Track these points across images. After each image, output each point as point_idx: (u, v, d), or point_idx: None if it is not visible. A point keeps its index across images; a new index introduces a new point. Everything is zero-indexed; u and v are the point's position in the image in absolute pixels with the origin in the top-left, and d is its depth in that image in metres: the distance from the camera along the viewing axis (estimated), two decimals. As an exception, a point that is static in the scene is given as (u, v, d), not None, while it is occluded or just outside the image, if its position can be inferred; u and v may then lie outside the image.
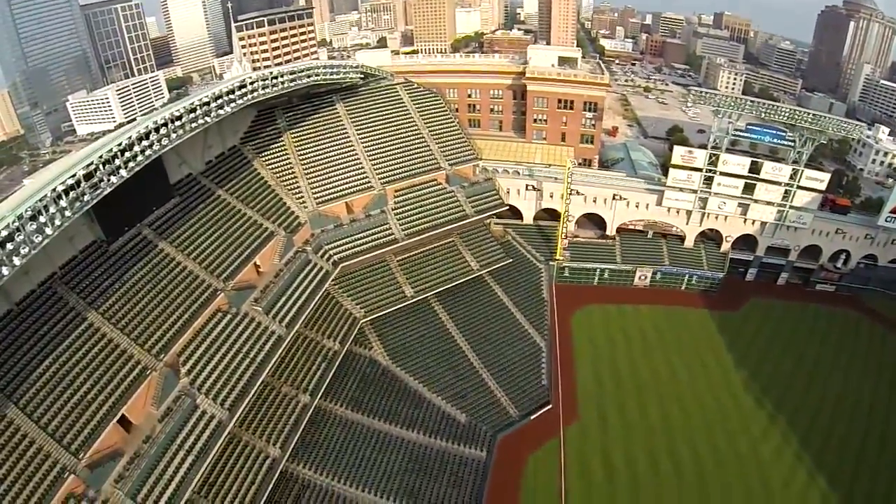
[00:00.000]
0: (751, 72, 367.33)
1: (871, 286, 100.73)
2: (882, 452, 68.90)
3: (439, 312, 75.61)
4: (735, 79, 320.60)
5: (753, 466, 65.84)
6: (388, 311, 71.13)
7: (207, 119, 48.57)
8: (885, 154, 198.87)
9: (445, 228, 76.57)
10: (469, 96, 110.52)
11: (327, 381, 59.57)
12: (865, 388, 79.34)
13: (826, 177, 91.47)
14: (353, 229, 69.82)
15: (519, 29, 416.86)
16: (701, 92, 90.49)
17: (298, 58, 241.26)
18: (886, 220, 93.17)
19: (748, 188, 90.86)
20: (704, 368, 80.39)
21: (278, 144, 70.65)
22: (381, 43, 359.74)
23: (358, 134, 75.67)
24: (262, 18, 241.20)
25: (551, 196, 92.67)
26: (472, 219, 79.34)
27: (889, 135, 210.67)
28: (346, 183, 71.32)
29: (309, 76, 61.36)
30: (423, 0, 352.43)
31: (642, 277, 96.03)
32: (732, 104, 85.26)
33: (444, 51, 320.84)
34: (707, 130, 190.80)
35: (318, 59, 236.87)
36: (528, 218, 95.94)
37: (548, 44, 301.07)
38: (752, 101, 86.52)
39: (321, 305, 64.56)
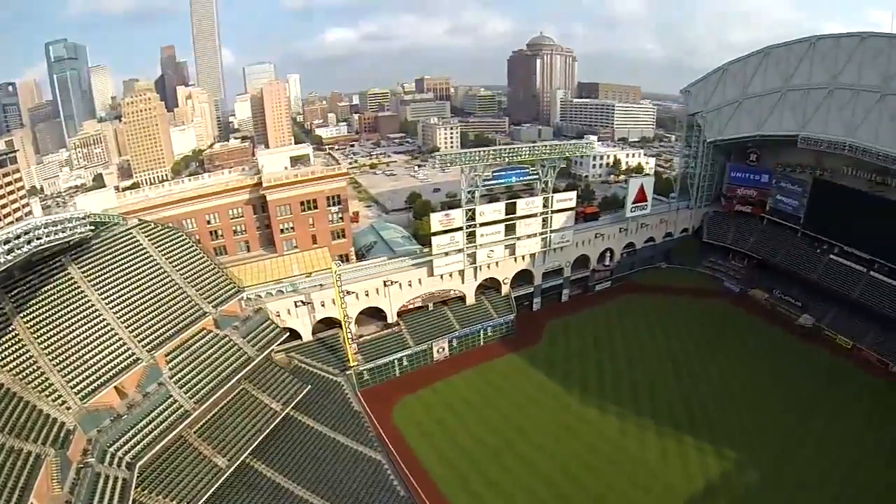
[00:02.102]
0: (463, 122, 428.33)
1: (636, 268, 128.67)
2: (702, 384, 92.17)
3: (264, 471, 69.24)
4: (451, 133, 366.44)
5: (628, 463, 75.34)
6: (209, 493, 62.48)
7: None
8: (602, 157, 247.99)
9: (234, 380, 70.76)
10: (209, 223, 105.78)
11: None
12: (663, 345, 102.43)
13: (573, 195, 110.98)
14: (134, 417, 60.67)
15: (235, 137, 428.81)
16: (444, 155, 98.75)
17: (8, 215, 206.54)
18: (631, 211, 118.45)
19: (510, 229, 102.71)
20: (539, 406, 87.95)
21: (10, 336, 58.43)
22: (98, 181, 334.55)
23: (103, 298, 66.64)
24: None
25: (323, 304, 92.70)
26: (258, 359, 74.83)
27: (598, 140, 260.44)
28: (108, 362, 61.89)
29: (30, 241, 51.67)
30: (135, 126, 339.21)
31: (440, 350, 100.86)
32: (479, 159, 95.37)
33: (166, 177, 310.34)
34: (441, 188, 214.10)
35: (31, 212, 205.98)
36: (306, 335, 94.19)
37: (266, 146, 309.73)
38: (494, 151, 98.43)
39: (132, 520, 54.27)
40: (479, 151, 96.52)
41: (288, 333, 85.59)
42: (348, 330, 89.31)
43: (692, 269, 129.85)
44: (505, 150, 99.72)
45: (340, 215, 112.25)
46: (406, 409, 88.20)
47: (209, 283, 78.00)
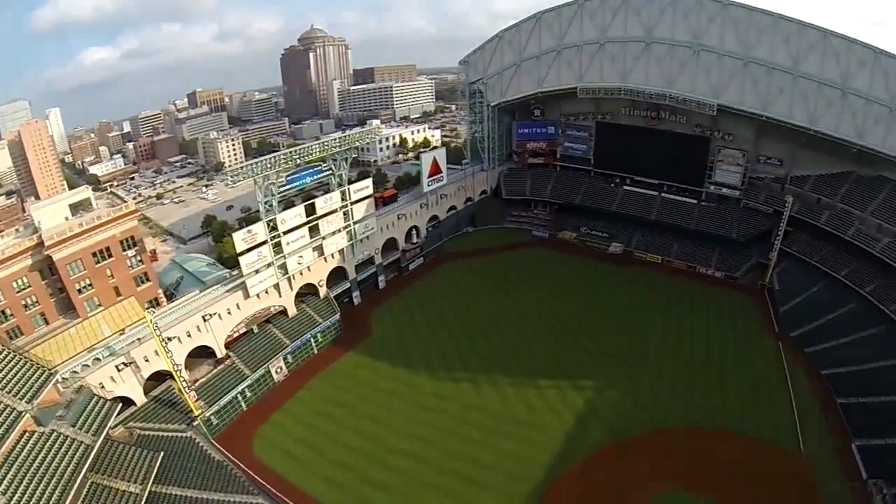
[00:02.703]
0: (243, 132, 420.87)
1: (444, 238, 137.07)
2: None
3: (148, 564, 64.12)
4: (233, 144, 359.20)
5: (498, 421, 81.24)
6: None
7: None
8: (388, 139, 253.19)
9: (80, 477, 63.74)
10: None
11: None
12: (490, 303, 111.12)
13: (369, 182, 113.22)
14: (-20, 566, 53.05)
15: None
16: (234, 171, 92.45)
17: None
18: (429, 185, 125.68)
19: (314, 230, 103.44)
20: (394, 395, 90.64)
21: None
22: None
23: None
24: None
25: (147, 360, 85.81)
26: (98, 444, 67.74)
27: (381, 123, 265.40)
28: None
29: None
30: None
31: (279, 370, 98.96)
32: (270, 166, 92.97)
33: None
34: (234, 204, 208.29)
35: None
36: (139, 398, 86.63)
37: (37, 198, 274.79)
38: (284, 155, 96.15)
39: None
40: (270, 158, 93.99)
41: (120, 403, 77.88)
42: (182, 379, 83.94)
43: (499, 226, 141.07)
44: (295, 151, 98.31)
45: (139, 258, 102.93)
46: (266, 441, 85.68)
47: (13, 377, 67.19)
